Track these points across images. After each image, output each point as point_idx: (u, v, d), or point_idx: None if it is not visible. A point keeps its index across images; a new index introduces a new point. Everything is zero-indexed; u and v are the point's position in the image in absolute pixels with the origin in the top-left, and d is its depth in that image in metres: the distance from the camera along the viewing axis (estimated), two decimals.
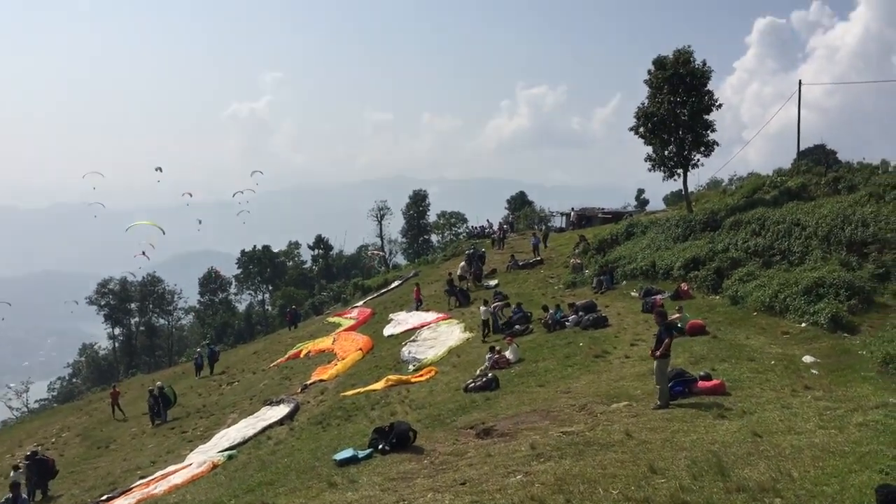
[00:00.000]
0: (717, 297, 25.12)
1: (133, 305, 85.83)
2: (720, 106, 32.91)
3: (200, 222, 65.00)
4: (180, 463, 21.00)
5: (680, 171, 33.98)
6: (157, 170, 52.12)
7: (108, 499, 19.38)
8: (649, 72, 33.45)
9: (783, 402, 13.06)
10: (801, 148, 40.28)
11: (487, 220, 61.34)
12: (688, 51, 32.52)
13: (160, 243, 56.02)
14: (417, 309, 35.94)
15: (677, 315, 21.55)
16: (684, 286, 26.57)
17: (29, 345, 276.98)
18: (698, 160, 33.60)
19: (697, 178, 52.48)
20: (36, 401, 77.54)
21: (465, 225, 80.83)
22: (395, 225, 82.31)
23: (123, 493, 19.50)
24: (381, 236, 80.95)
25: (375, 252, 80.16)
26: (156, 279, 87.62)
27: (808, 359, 16.70)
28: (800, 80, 37.89)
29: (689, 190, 37.71)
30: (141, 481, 20.30)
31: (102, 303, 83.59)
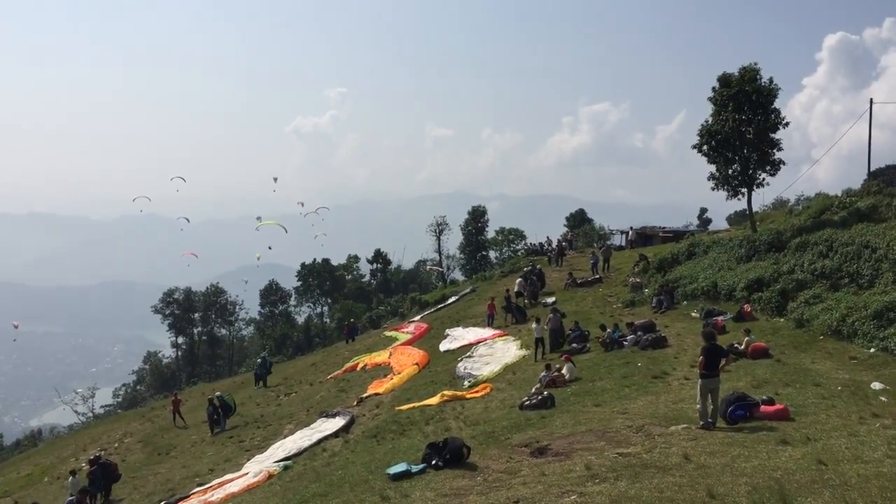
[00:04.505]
0: (782, 320, 24.50)
1: (196, 315, 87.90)
2: (787, 124, 32.16)
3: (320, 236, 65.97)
4: (237, 471, 21.32)
5: (744, 190, 33.28)
6: (175, 179, 53.59)
7: None
8: (714, 89, 32.91)
9: (850, 429, 12.61)
10: (872, 168, 39.00)
11: (547, 237, 61.00)
12: (754, 68, 31.88)
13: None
14: (490, 324, 35.50)
15: (746, 338, 21.12)
16: (747, 307, 25.99)
17: (96, 352, 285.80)
18: (763, 179, 32.87)
19: (762, 198, 51.23)
20: (101, 406, 79.35)
21: (523, 242, 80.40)
22: (453, 241, 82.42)
23: (182, 499, 19.90)
24: (439, 251, 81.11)
25: (434, 267, 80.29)
26: (218, 290, 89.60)
27: (876, 385, 16.11)
28: (871, 99, 36.71)
29: (754, 209, 36.89)
30: (199, 488, 20.68)
31: (167, 312, 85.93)
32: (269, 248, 59.36)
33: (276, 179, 60.03)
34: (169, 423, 35.27)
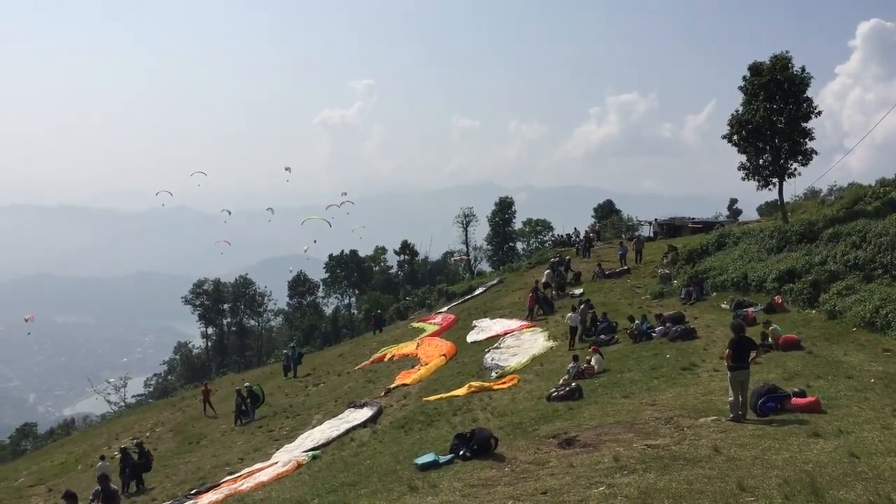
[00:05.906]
0: (814, 312, 24.17)
1: (226, 306, 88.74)
2: (819, 113, 31.68)
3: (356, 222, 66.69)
4: (267, 461, 21.52)
5: (775, 180, 32.85)
6: (196, 174, 54.36)
7: (198, 493, 20.02)
8: (744, 78, 32.51)
9: (883, 422, 12.42)
10: None
11: (575, 229, 60.75)
12: (785, 57, 31.44)
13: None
14: (529, 316, 34.20)
15: (771, 328, 20.84)
16: (778, 299, 25.67)
17: (127, 342, 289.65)
18: (795, 169, 32.43)
19: (794, 188, 50.57)
20: (133, 396, 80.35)
21: (550, 233, 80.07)
22: (480, 232, 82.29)
23: (212, 488, 20.12)
24: (466, 243, 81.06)
25: (462, 258, 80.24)
26: (247, 281, 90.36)
27: None
28: None
29: (785, 200, 36.42)
30: (229, 477, 20.91)
31: (197, 303, 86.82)
32: (315, 241, 59.83)
33: (288, 169, 60.71)
34: (199, 412, 35.70)
